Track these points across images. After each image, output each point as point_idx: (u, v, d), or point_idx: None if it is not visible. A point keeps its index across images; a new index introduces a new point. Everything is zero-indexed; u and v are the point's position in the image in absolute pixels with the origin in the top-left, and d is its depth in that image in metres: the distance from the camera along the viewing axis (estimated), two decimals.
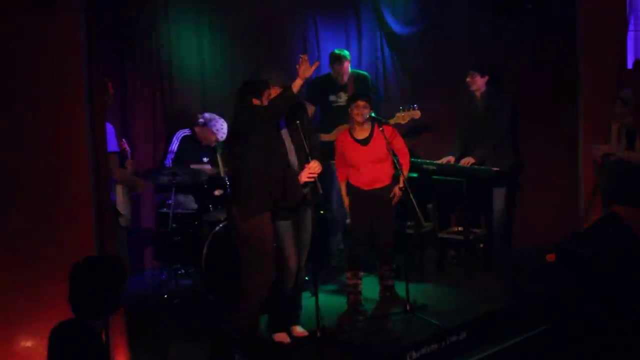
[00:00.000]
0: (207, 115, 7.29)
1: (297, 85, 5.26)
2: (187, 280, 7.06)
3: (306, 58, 5.31)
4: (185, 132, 7.37)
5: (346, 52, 7.59)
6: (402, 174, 6.08)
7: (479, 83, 7.28)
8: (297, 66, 5.30)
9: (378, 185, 6.24)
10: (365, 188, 6.22)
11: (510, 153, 7.38)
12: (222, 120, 7.21)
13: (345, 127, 6.64)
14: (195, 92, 7.96)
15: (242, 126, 5.31)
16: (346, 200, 6.35)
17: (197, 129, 7.34)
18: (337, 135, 6.52)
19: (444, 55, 8.08)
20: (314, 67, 5.34)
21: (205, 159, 7.38)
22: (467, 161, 7.15)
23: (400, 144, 6.32)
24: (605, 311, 5.73)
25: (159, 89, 7.71)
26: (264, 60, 7.95)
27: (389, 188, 6.25)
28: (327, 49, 8.16)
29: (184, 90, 7.89)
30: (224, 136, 7.14)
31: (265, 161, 5.25)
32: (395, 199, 6.26)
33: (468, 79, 7.30)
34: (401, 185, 6.13)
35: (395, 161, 6.14)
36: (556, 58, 7.50)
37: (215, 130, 7.22)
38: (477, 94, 7.34)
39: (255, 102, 5.34)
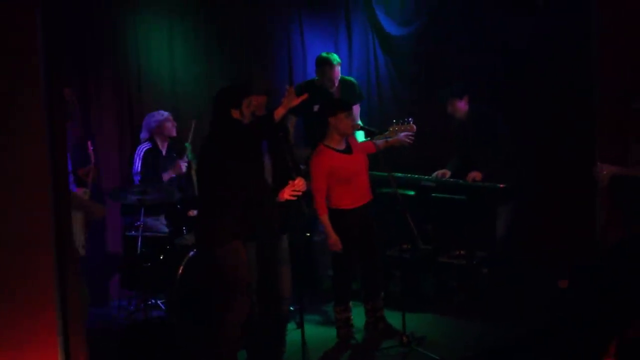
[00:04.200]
0: (146, 123, 7.42)
1: (279, 114, 5.37)
2: (158, 311, 7.00)
3: (292, 90, 5.42)
4: (145, 146, 7.35)
5: (335, 55, 7.56)
6: (396, 190, 6.05)
7: (460, 108, 7.33)
8: (283, 100, 5.41)
9: (365, 201, 6.25)
10: (353, 206, 6.18)
11: (515, 168, 7.37)
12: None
13: (305, 149, 6.81)
14: (166, 99, 7.96)
15: (217, 146, 5.30)
16: (334, 237, 6.09)
17: (154, 136, 7.37)
18: (317, 155, 6.21)
19: (443, 59, 8.09)
20: (300, 99, 5.45)
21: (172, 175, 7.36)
22: (474, 176, 7.16)
23: None
24: (627, 344, 5.71)
25: (126, 96, 7.70)
26: (243, 66, 7.93)
27: (370, 205, 6.27)
28: (314, 53, 8.15)
29: (154, 97, 7.88)
30: (167, 114, 7.37)
31: (242, 185, 5.24)
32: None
33: (449, 110, 7.36)
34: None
35: (389, 177, 6.11)
36: (570, 58, 7.44)
37: (159, 117, 7.33)
38: (460, 115, 7.37)
39: (235, 113, 5.34)
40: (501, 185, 7.01)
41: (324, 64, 7.43)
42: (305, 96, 5.51)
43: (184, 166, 7.19)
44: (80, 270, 5.98)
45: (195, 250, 6.56)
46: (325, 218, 6.08)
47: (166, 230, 7.15)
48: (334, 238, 6.08)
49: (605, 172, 6.21)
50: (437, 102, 7.88)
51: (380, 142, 6.44)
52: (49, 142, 4.52)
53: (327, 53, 7.57)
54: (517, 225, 7.57)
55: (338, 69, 7.45)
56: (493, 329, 6.41)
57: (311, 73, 8.02)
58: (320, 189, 6.09)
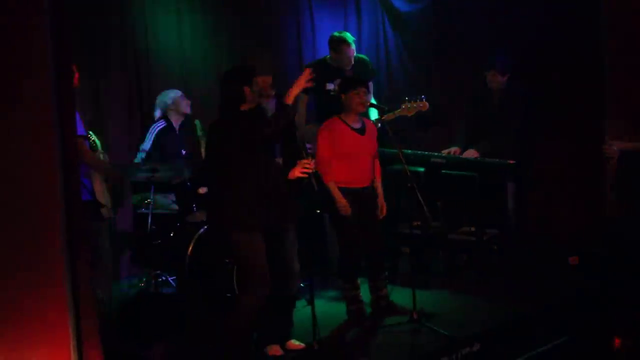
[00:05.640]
0: (160, 101, 7.42)
1: (292, 96, 5.35)
2: (169, 288, 7.05)
3: (309, 72, 5.41)
4: (160, 124, 7.36)
5: (348, 34, 7.46)
6: (406, 169, 6.06)
7: (499, 81, 7.28)
8: (298, 80, 5.41)
9: (367, 184, 6.23)
10: (355, 186, 6.17)
11: (520, 146, 7.38)
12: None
13: (313, 125, 6.75)
14: (175, 78, 7.94)
15: (223, 135, 5.31)
16: (343, 200, 6.08)
17: (169, 114, 7.38)
18: (324, 124, 6.27)
19: (454, 36, 8.07)
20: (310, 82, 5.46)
21: (183, 152, 7.36)
22: (470, 154, 7.18)
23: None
24: (633, 320, 5.74)
25: (134, 75, 7.72)
26: (252, 45, 7.93)
27: (372, 189, 6.27)
28: (323, 31, 8.12)
29: (162, 76, 7.88)
30: (180, 93, 7.40)
31: (258, 174, 5.26)
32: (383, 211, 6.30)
33: (488, 78, 7.31)
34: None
35: (399, 153, 6.12)
36: (582, 39, 7.43)
37: (174, 95, 7.36)
38: (494, 86, 7.34)
39: (247, 89, 5.32)
40: (511, 162, 7.02)
41: (341, 43, 7.33)
42: (312, 76, 5.51)
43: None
44: (108, 234, 6.05)
45: (205, 227, 6.58)
46: (332, 184, 6.07)
47: (176, 207, 7.17)
48: (342, 201, 6.07)
49: (615, 148, 6.22)
50: (448, 81, 7.89)
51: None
52: (57, 112, 4.46)
53: (340, 32, 7.49)
54: (527, 202, 7.59)
55: (353, 46, 7.38)
56: (503, 306, 6.40)
57: (320, 51, 7.99)
58: (324, 155, 6.09)
